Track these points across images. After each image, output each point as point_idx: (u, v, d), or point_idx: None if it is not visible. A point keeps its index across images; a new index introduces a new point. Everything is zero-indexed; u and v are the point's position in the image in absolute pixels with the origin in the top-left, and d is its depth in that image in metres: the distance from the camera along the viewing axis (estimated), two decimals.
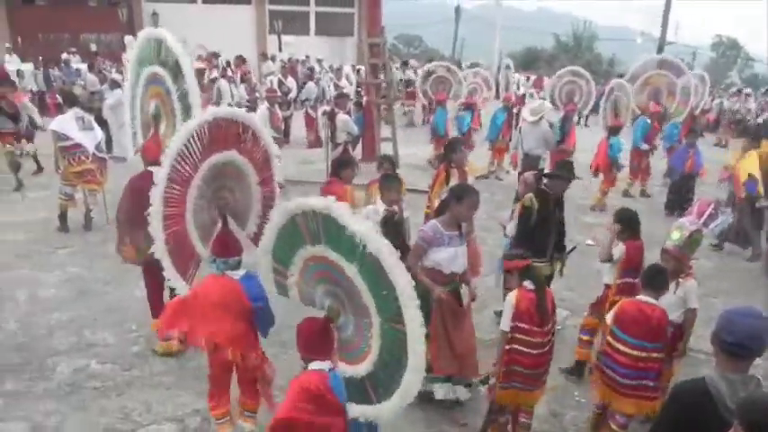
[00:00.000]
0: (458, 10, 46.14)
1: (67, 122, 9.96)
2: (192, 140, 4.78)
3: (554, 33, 53.68)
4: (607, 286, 6.40)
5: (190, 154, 4.80)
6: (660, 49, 33.34)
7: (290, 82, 21.19)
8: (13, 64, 24.32)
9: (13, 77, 20.63)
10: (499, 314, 5.91)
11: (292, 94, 20.73)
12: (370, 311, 3.75)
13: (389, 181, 6.74)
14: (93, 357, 6.65)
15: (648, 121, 14.36)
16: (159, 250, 4.89)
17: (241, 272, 4.89)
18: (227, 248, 4.88)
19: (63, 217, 10.45)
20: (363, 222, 3.67)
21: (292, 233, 4.07)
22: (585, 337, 6.60)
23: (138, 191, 6.50)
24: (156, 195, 4.74)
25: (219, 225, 5.14)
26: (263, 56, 29.67)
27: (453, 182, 7.74)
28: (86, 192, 10.38)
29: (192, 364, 6.54)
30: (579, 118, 20.83)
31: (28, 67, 24.09)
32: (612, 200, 13.11)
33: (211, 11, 33.99)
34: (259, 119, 12.22)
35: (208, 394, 5.24)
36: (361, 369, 3.90)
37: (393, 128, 15.71)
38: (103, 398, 5.95)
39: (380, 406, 3.86)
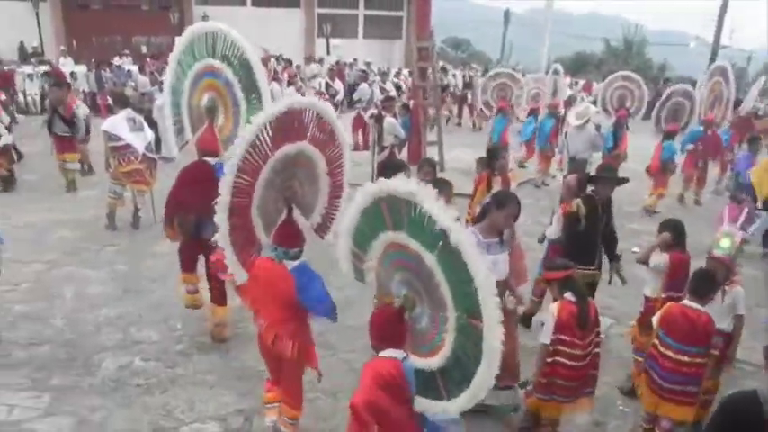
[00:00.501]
0: (507, 14, 45.93)
1: (119, 123, 10.12)
2: (265, 131, 4.74)
3: (604, 38, 53.02)
4: (647, 299, 6.26)
5: (261, 144, 4.77)
6: (714, 54, 32.58)
7: (338, 85, 21.32)
8: (67, 66, 24.94)
9: (68, 79, 21.19)
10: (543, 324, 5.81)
11: (339, 97, 20.80)
12: (446, 304, 3.64)
13: (440, 185, 6.70)
14: (137, 354, 6.71)
15: (701, 128, 14.09)
16: (223, 239, 4.90)
17: (295, 263, 4.86)
18: (289, 238, 4.88)
19: (112, 215, 10.61)
20: (447, 211, 3.53)
21: (374, 217, 3.99)
22: (641, 359, 6.35)
23: (189, 178, 6.62)
24: (225, 185, 4.74)
25: (285, 215, 5.11)
26: (308, 59, 29.85)
27: (496, 189, 7.69)
28: (135, 191, 10.52)
29: (236, 363, 6.58)
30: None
31: (81, 69, 24.58)
32: (664, 207, 12.89)
33: (261, 14, 34.32)
34: None
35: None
36: (433, 362, 3.81)
37: (439, 131, 15.65)
38: (147, 394, 6.00)
39: (448, 403, 3.79)
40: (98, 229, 10.54)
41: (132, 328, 7.27)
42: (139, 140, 10.19)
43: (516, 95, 17.75)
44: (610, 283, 7.00)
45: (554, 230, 6.98)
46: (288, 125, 4.87)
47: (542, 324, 6.04)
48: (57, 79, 16.66)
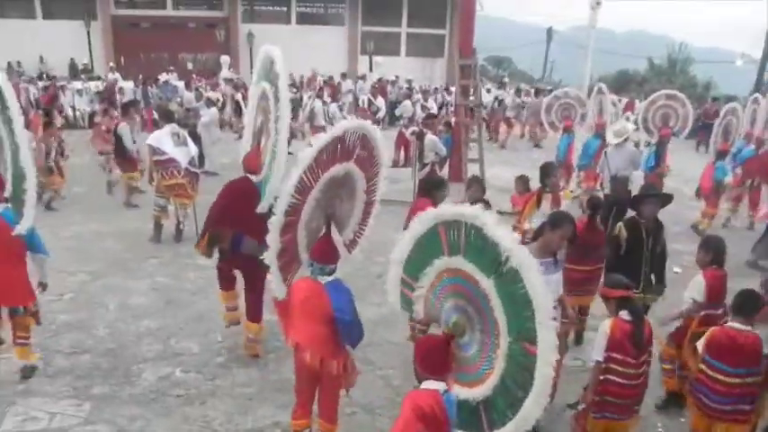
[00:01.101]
0: (550, 32, 45.69)
1: (164, 138, 10.30)
2: (320, 153, 4.87)
3: (647, 56, 52.42)
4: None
5: (316, 166, 4.88)
6: (762, 71, 31.97)
7: (380, 101, 21.40)
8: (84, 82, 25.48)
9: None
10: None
11: (381, 114, 20.88)
12: (500, 329, 3.59)
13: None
14: (177, 366, 6.77)
15: (752, 147, 13.84)
16: (271, 258, 4.98)
17: (330, 278, 4.88)
18: (326, 255, 4.92)
19: (157, 228, 10.78)
20: (510, 234, 3.52)
21: (431, 242, 3.98)
22: (668, 366, 6.28)
23: (232, 193, 6.70)
24: (281, 205, 4.86)
25: (323, 231, 5.18)
26: (344, 75, 30.05)
27: (545, 206, 7.63)
28: (177, 205, 10.66)
29: (274, 377, 6.60)
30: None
31: (128, 85, 25.09)
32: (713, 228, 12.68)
33: (305, 31, 34.79)
34: None
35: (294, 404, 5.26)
36: (478, 393, 3.75)
37: (480, 149, 15.60)
38: (186, 405, 6.04)
39: None
40: (141, 242, 10.69)
41: (173, 340, 7.34)
42: (183, 155, 10.32)
43: (581, 114, 17.62)
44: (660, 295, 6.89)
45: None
46: (340, 147, 4.99)
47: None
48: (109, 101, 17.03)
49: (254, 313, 6.95)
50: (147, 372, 6.62)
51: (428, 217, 3.96)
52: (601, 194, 11.20)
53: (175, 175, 10.22)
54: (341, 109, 20.18)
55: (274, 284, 5.10)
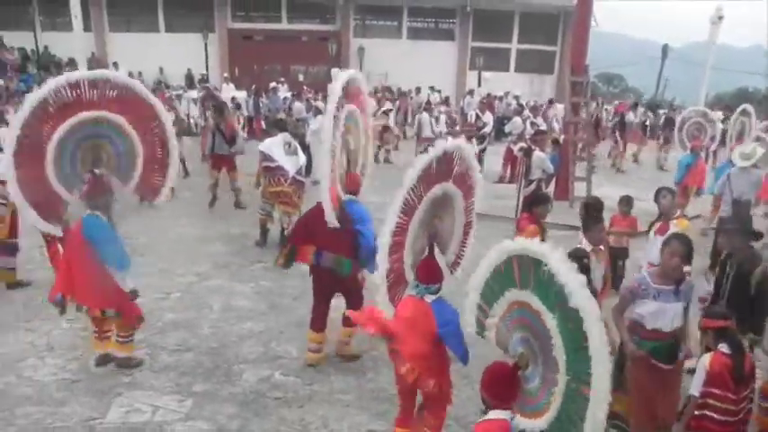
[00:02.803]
0: (665, 48, 44.40)
1: (275, 146, 10.54)
2: (422, 173, 5.00)
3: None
4: None
5: (418, 186, 5.02)
6: None
7: (487, 117, 21.27)
8: (229, 91, 26.34)
9: (228, 103, 22.35)
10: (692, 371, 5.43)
11: (487, 129, 20.72)
12: (558, 367, 3.56)
13: (592, 223, 6.57)
14: (277, 369, 6.84)
15: None
16: (380, 277, 5.15)
17: (435, 297, 4.91)
18: (430, 275, 4.95)
19: (263, 232, 11.01)
20: (575, 275, 3.46)
21: (505, 273, 3.96)
22: (766, 405, 5.64)
23: (318, 209, 6.71)
24: (388, 226, 5.04)
25: (427, 251, 5.24)
26: (418, 89, 30.00)
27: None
28: (281, 213, 10.84)
29: (372, 385, 6.58)
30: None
31: (241, 95, 25.87)
32: None
33: (415, 46, 35.02)
34: None
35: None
36: (538, 425, 3.69)
37: (589, 167, 15.28)
38: (284, 408, 6.09)
39: None
40: (247, 246, 10.93)
41: (273, 343, 7.43)
42: (291, 164, 10.52)
43: (710, 135, 17.03)
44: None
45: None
46: (439, 166, 5.09)
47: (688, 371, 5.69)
48: (216, 102, 17.55)
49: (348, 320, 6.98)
50: (248, 372, 6.72)
51: (504, 249, 3.94)
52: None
53: (282, 183, 10.42)
54: (436, 121, 20.15)
55: (381, 304, 5.20)
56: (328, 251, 6.63)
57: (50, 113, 6.45)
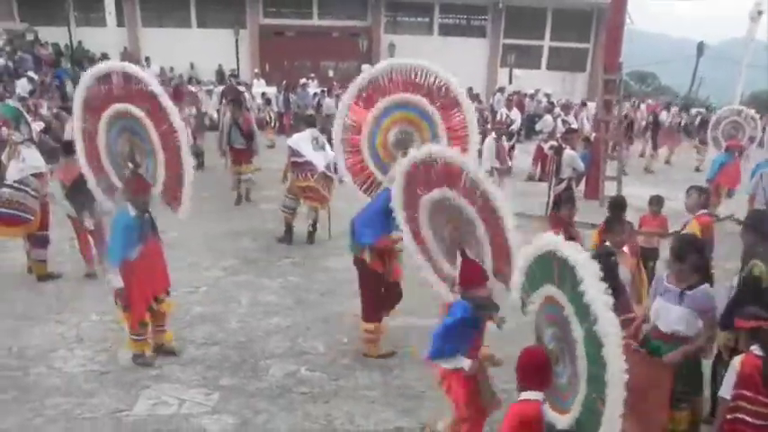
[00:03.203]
0: (701, 46, 43.68)
1: (304, 141, 10.59)
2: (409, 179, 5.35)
3: None
4: None
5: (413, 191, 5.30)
6: None
7: (514, 113, 21.08)
8: (259, 87, 26.44)
9: (258, 99, 22.50)
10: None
11: (515, 126, 20.55)
12: (581, 377, 3.54)
13: (613, 224, 6.48)
14: (303, 364, 6.84)
15: None
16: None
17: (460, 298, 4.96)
18: (468, 278, 4.96)
19: (288, 230, 10.99)
20: (603, 295, 3.37)
21: (546, 266, 3.84)
22: None
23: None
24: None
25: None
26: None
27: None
28: (309, 208, 10.89)
29: (398, 382, 6.56)
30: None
31: (272, 90, 25.97)
32: None
33: (447, 43, 34.86)
34: (486, 149, 12.34)
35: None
36: (561, 421, 3.71)
37: (620, 167, 15.13)
38: (310, 403, 6.09)
39: None
40: (275, 242, 10.96)
41: (300, 338, 7.43)
42: (320, 159, 10.54)
43: (749, 135, 16.73)
44: None
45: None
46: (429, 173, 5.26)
47: None
48: (234, 95, 17.67)
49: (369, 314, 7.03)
50: (274, 367, 6.73)
51: (550, 242, 3.80)
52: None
53: (309, 178, 10.45)
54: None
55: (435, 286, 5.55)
56: None
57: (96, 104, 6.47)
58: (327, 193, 10.63)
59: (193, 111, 17.81)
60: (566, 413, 3.68)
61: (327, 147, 10.81)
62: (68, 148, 8.04)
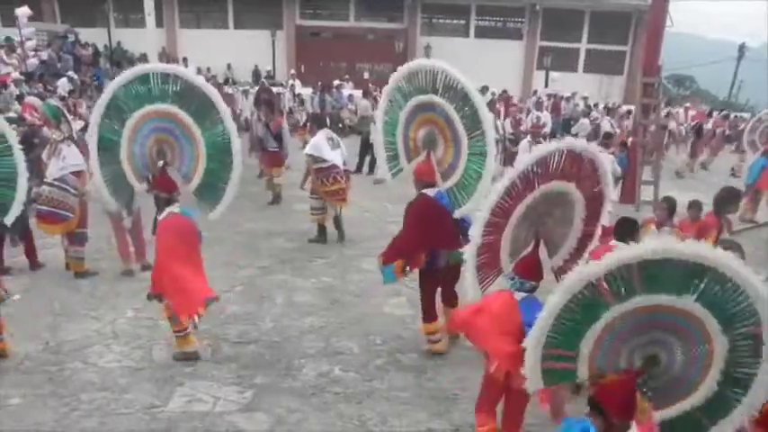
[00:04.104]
0: (742, 48, 42.99)
1: (321, 144, 10.49)
2: (538, 163, 4.84)
3: None
4: None
5: (531, 174, 4.86)
6: None
7: (545, 115, 20.96)
8: (295, 88, 26.57)
9: (293, 100, 22.55)
10: None
11: (546, 129, 20.42)
12: (710, 335, 3.53)
13: (629, 225, 6.40)
14: (337, 364, 6.84)
15: None
16: (470, 252, 5.09)
17: (525, 295, 4.79)
18: (529, 271, 4.84)
19: (321, 230, 10.99)
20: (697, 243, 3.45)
21: (587, 306, 3.66)
22: None
23: (417, 217, 6.69)
24: (488, 203, 4.93)
25: (531, 247, 5.06)
26: (485, 89, 29.60)
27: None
28: (337, 208, 10.88)
29: (431, 384, 6.52)
30: None
31: (307, 91, 26.08)
32: None
33: (483, 45, 34.86)
34: (521, 152, 12.27)
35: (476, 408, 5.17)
36: (694, 400, 3.76)
37: (657, 171, 14.95)
38: (343, 403, 6.09)
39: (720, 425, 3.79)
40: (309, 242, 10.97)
41: (334, 339, 7.43)
42: (339, 158, 10.56)
43: None
44: None
45: None
46: (564, 164, 4.90)
47: None
48: (268, 97, 17.74)
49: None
50: (308, 367, 6.74)
51: (583, 274, 3.62)
52: None
53: (339, 181, 10.42)
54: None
55: (468, 281, 5.17)
56: (444, 249, 6.63)
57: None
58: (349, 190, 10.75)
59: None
60: (691, 392, 3.75)
61: (342, 144, 10.89)
62: None
